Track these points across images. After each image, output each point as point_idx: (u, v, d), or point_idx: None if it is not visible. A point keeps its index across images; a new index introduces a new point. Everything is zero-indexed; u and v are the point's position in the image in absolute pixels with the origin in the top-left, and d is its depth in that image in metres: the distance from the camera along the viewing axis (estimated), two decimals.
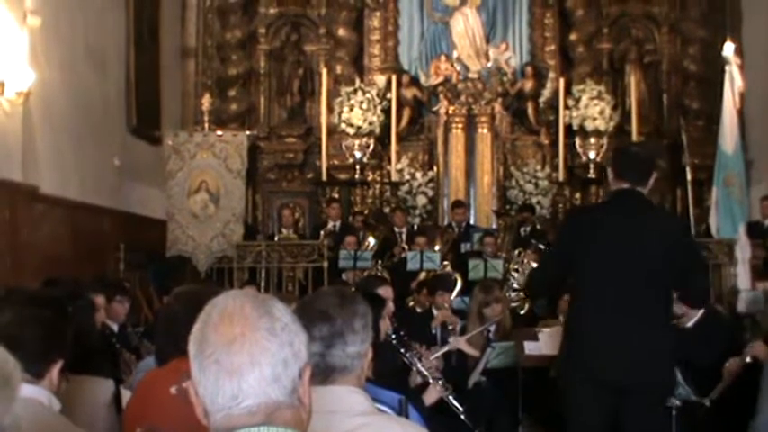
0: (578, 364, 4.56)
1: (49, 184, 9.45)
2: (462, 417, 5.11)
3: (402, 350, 5.10)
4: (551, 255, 5.14)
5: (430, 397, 4.81)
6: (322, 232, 11.82)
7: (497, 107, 13.21)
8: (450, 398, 5.04)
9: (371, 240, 11.37)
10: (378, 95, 13.35)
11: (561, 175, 13.15)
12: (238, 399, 1.62)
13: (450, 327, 7.92)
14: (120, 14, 11.77)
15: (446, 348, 7.02)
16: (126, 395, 3.74)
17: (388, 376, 4.22)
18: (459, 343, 7.04)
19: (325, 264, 10.74)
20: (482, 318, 7.36)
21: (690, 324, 6.14)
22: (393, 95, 13.14)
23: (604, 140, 13.11)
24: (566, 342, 4.78)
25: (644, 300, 4.47)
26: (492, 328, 7.18)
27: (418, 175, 13.39)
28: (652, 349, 4.44)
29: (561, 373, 4.75)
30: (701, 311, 6.19)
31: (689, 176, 11.08)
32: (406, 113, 13.66)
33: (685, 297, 4.99)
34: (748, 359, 5.55)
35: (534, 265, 10.59)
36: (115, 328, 6.61)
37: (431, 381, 4.89)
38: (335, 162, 13.30)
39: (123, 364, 5.74)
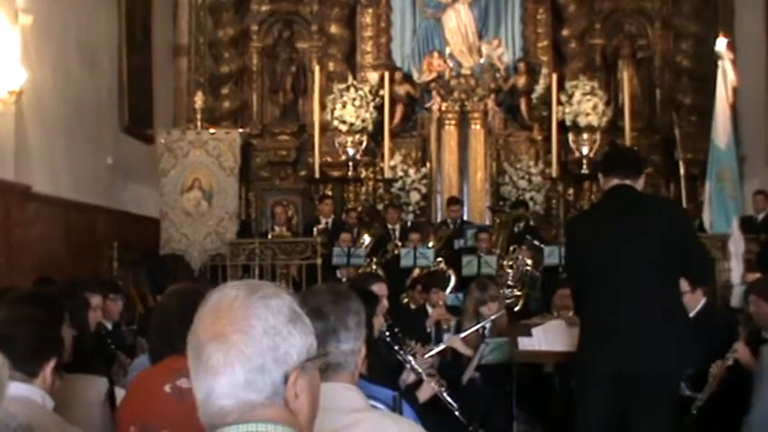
0: (590, 361, 4.63)
1: (41, 183, 9.44)
2: (457, 413, 5.11)
3: (396, 347, 5.10)
4: (567, 271, 5.18)
5: (424, 394, 4.81)
6: (315, 229, 11.82)
7: (490, 103, 13.21)
8: (445, 394, 5.04)
9: (366, 238, 11.38)
10: (370, 92, 13.33)
11: (554, 171, 13.17)
12: (211, 397, 1.59)
13: (444, 326, 7.92)
14: (112, 13, 11.75)
15: (441, 347, 7.01)
16: (120, 393, 3.74)
17: (382, 373, 4.22)
18: (454, 342, 7.03)
19: (319, 261, 10.74)
20: (478, 316, 7.35)
21: (690, 316, 6.15)
22: (386, 92, 13.13)
23: (597, 136, 13.13)
24: (580, 337, 4.84)
25: (649, 290, 4.52)
26: (488, 325, 7.18)
27: (411, 171, 13.38)
28: (661, 338, 4.48)
29: (575, 372, 4.83)
30: (701, 304, 6.20)
31: (682, 171, 11.10)
32: (399, 110, 13.66)
33: (689, 277, 5.02)
34: (730, 362, 5.56)
35: (529, 261, 10.63)
36: (109, 326, 6.59)
37: (425, 378, 4.89)
38: (328, 159, 13.30)
39: (117, 362, 5.73)
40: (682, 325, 4.71)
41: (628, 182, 4.66)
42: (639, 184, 4.73)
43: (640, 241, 4.54)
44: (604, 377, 4.55)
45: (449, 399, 5.06)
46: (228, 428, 1.58)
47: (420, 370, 4.95)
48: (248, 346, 1.59)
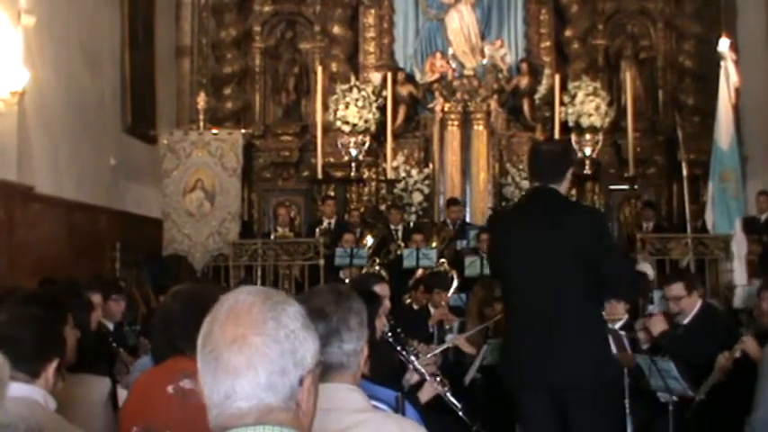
0: (515, 369, 4.57)
1: (44, 183, 9.45)
2: (460, 413, 5.10)
3: (398, 348, 5.10)
4: (490, 267, 5.10)
5: (426, 394, 4.80)
6: (317, 230, 11.82)
7: (493, 104, 13.21)
8: (448, 395, 5.03)
9: (369, 239, 11.37)
10: (373, 93, 13.33)
11: None
12: (231, 398, 1.62)
13: (447, 326, 7.93)
14: (115, 13, 11.75)
15: (444, 346, 7.02)
16: (122, 394, 3.74)
17: (385, 374, 4.22)
18: (457, 341, 7.04)
19: (322, 261, 10.74)
20: (482, 316, 7.35)
21: (686, 321, 6.16)
22: (388, 93, 13.12)
23: (600, 137, 13.11)
24: (503, 346, 4.84)
25: (561, 299, 4.41)
26: (492, 326, 7.18)
27: (414, 172, 13.38)
28: (576, 349, 4.39)
29: (506, 379, 4.73)
30: (697, 307, 6.21)
31: (684, 172, 11.05)
32: (402, 111, 13.65)
33: (607, 293, 4.96)
34: (738, 354, 5.55)
35: None
36: (111, 326, 6.60)
37: (427, 378, 4.88)
38: (331, 160, 13.29)
39: (120, 362, 5.74)
40: (598, 335, 4.63)
41: (551, 185, 4.56)
42: (563, 187, 4.62)
43: (551, 250, 4.42)
44: (533, 387, 4.50)
45: (452, 399, 5.04)
46: (246, 429, 1.61)
47: (423, 370, 4.94)
48: (271, 349, 1.62)
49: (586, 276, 4.41)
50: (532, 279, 4.47)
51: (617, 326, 6.44)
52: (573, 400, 4.41)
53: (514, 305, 4.64)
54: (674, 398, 5.67)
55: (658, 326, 6.15)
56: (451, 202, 12.24)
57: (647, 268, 4.77)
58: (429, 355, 6.01)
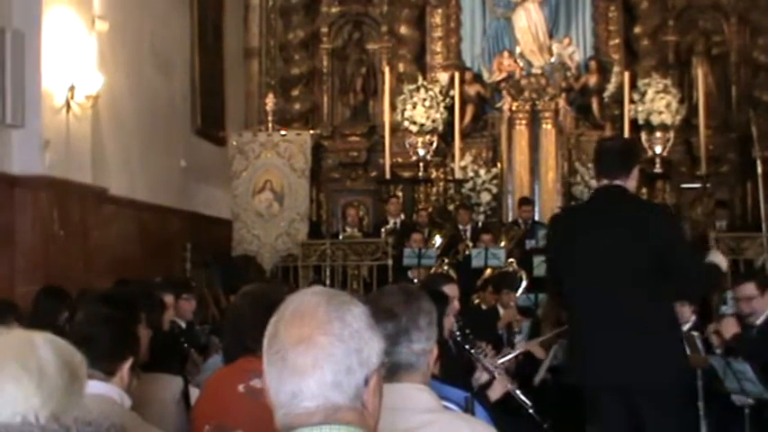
0: (584, 371, 4.49)
1: (117, 185, 9.62)
2: (531, 411, 5.07)
3: (467, 347, 5.08)
4: (548, 267, 4.98)
5: (495, 392, 4.77)
6: (383, 230, 11.84)
7: (561, 102, 13.08)
8: (517, 392, 5.00)
9: (438, 239, 11.36)
10: (440, 93, 13.31)
11: None
12: (298, 398, 1.63)
13: (516, 328, 7.88)
14: (185, 17, 11.92)
15: (517, 352, 6.97)
16: (193, 392, 3.79)
17: (454, 374, 4.21)
18: (531, 346, 7.00)
19: (390, 262, 10.75)
20: (558, 320, 7.28)
21: (759, 322, 6.03)
22: (456, 92, 13.09)
23: (671, 134, 12.92)
24: (568, 349, 4.76)
25: (632, 300, 4.33)
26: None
27: (482, 171, 13.32)
28: (647, 349, 4.31)
29: (575, 380, 4.65)
30: None
31: (759, 170, 10.81)
32: (470, 110, 13.60)
33: (678, 294, 4.85)
34: None
35: None
36: (183, 325, 6.69)
37: (497, 375, 4.84)
38: (399, 160, 13.30)
39: (191, 361, 5.81)
40: (672, 335, 4.55)
41: (617, 182, 4.48)
42: (630, 184, 4.54)
43: (622, 249, 4.34)
44: (606, 388, 4.43)
45: (522, 396, 5.01)
46: (311, 429, 1.62)
47: (492, 368, 4.91)
48: (337, 348, 1.63)
49: (659, 275, 4.33)
50: (603, 278, 4.39)
51: (684, 328, 6.32)
52: (646, 402, 4.34)
53: (581, 305, 4.54)
54: (750, 400, 5.55)
55: (730, 328, 6.02)
56: (523, 201, 12.16)
57: (720, 260, 4.64)
58: (500, 361, 5.97)
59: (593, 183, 12.64)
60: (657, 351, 4.36)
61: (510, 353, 6.83)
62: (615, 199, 4.50)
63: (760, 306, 6.05)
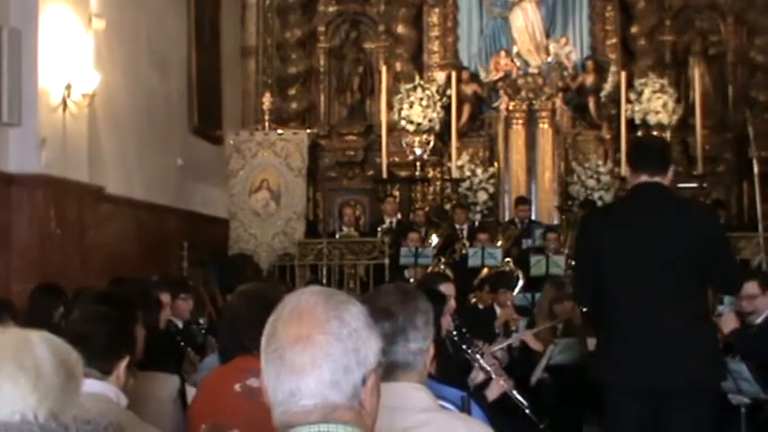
0: (614, 369, 4.39)
1: (114, 184, 9.61)
2: (527, 411, 5.06)
3: (464, 346, 5.08)
4: (582, 266, 4.83)
5: (493, 392, 4.76)
6: (379, 229, 11.84)
7: (558, 102, 13.10)
8: (514, 392, 4.99)
9: (434, 238, 11.36)
10: (437, 92, 13.33)
11: (623, 170, 12.96)
12: (296, 396, 1.63)
13: (513, 327, 7.90)
14: (182, 16, 11.92)
15: (511, 340, 7.00)
16: (190, 391, 3.79)
17: (451, 374, 4.21)
18: (525, 336, 7.02)
19: (387, 261, 10.76)
20: (552, 314, 7.33)
21: (759, 320, 6.03)
22: (453, 92, 13.09)
23: (667, 134, 12.91)
24: (601, 346, 4.65)
25: (675, 297, 4.28)
26: (560, 326, 7.14)
27: (479, 171, 13.33)
28: (688, 349, 4.25)
29: (599, 377, 4.56)
30: None
31: (756, 170, 10.86)
32: (467, 110, 13.61)
33: (715, 286, 4.85)
34: None
35: None
36: (180, 324, 6.69)
37: (494, 376, 4.84)
38: (396, 159, 13.30)
39: (188, 360, 5.81)
40: (711, 334, 4.54)
41: (657, 179, 4.43)
42: (668, 179, 4.50)
43: (666, 246, 4.29)
44: (634, 389, 4.33)
45: (519, 397, 5.01)
46: (309, 427, 1.63)
47: (489, 368, 4.91)
48: (335, 347, 1.64)
49: (699, 275, 4.32)
50: (643, 278, 4.32)
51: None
52: (677, 403, 4.26)
53: (617, 305, 4.40)
54: (746, 400, 5.55)
55: (730, 324, 6.02)
56: (520, 200, 12.17)
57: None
58: (495, 348, 5.98)
59: (591, 182, 12.83)
60: (699, 351, 4.32)
61: (504, 342, 6.85)
62: (659, 196, 4.46)
63: (761, 305, 6.05)
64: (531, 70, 13.30)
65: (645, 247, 4.34)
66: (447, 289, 4.98)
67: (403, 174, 13.38)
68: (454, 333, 5.12)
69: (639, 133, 12.81)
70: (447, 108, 13.14)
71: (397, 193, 13.13)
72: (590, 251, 4.57)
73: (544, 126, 12.95)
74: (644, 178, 4.46)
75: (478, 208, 13.21)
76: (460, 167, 13.24)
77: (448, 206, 13.00)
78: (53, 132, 8.34)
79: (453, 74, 13.28)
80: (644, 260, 4.33)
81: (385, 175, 12.97)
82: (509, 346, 7.11)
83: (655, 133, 12.82)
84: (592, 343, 6.47)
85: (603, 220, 4.85)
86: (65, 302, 5.67)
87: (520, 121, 12.97)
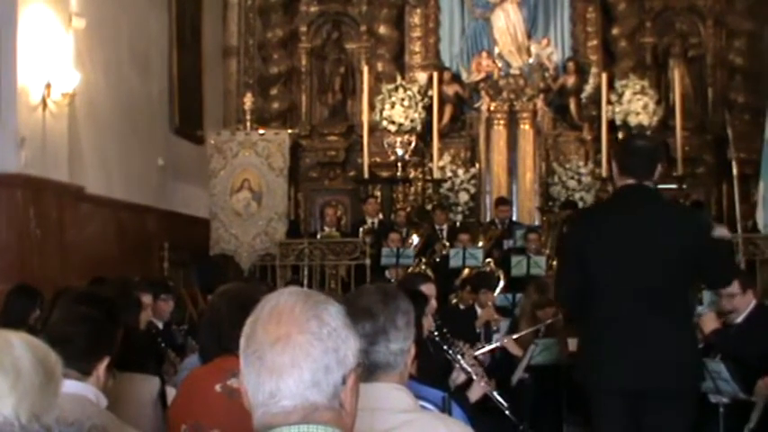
0: (598, 372, 4.38)
1: (94, 184, 9.57)
2: (507, 412, 5.08)
3: (445, 347, 5.09)
4: (567, 266, 4.77)
5: (474, 393, 4.78)
6: (361, 229, 11.85)
7: (539, 103, 13.13)
8: (495, 394, 5.01)
9: (415, 238, 11.37)
10: (419, 92, 13.34)
11: (604, 171, 13.00)
12: (276, 397, 1.63)
13: (494, 327, 7.91)
14: (163, 15, 11.87)
15: (492, 346, 7.00)
16: (171, 393, 3.77)
17: (432, 374, 4.21)
18: (507, 342, 7.01)
19: (368, 261, 10.76)
20: (534, 318, 7.31)
21: (739, 320, 6.05)
22: (434, 92, 13.10)
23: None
24: (583, 347, 4.64)
25: (660, 299, 4.27)
26: (542, 329, 7.14)
27: (460, 172, 13.35)
28: (669, 350, 4.26)
29: (583, 380, 4.55)
30: (751, 306, 6.09)
31: (735, 171, 10.92)
32: (448, 110, 13.63)
33: (709, 281, 4.87)
34: None
35: None
36: (160, 325, 6.67)
37: (475, 377, 4.85)
38: (377, 160, 13.30)
39: (168, 361, 5.79)
40: (693, 336, 4.56)
41: (644, 182, 4.41)
42: (654, 179, 4.49)
43: (652, 248, 4.28)
44: (617, 391, 4.33)
45: (499, 398, 5.02)
46: (289, 428, 1.62)
47: (470, 369, 4.92)
48: (315, 347, 1.64)
49: (683, 276, 4.34)
50: (629, 280, 4.31)
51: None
52: (660, 405, 4.27)
53: (601, 306, 4.39)
54: (726, 400, 5.58)
55: (710, 324, 6.02)
56: (500, 201, 12.20)
57: (725, 233, 4.59)
58: (476, 353, 5.98)
59: (572, 183, 12.87)
60: (682, 352, 4.33)
61: (485, 346, 6.85)
62: (644, 197, 4.45)
63: (742, 304, 6.07)
64: (512, 71, 13.32)
65: (629, 248, 4.33)
66: (428, 289, 4.98)
67: (384, 174, 13.37)
68: (435, 333, 5.13)
69: (620, 135, 12.82)
70: (428, 109, 13.15)
71: (378, 194, 13.14)
72: (574, 251, 4.56)
73: (525, 127, 12.99)
74: (630, 181, 4.45)
75: (460, 208, 13.23)
76: (442, 168, 13.25)
77: (429, 207, 13.01)
78: (32, 132, 8.29)
79: (435, 74, 13.29)
80: (628, 261, 4.32)
81: (366, 175, 12.96)
82: None
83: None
84: (573, 343, 6.49)
85: (588, 221, 4.86)
86: (41, 305, 5.63)
87: (501, 122, 13.01)
